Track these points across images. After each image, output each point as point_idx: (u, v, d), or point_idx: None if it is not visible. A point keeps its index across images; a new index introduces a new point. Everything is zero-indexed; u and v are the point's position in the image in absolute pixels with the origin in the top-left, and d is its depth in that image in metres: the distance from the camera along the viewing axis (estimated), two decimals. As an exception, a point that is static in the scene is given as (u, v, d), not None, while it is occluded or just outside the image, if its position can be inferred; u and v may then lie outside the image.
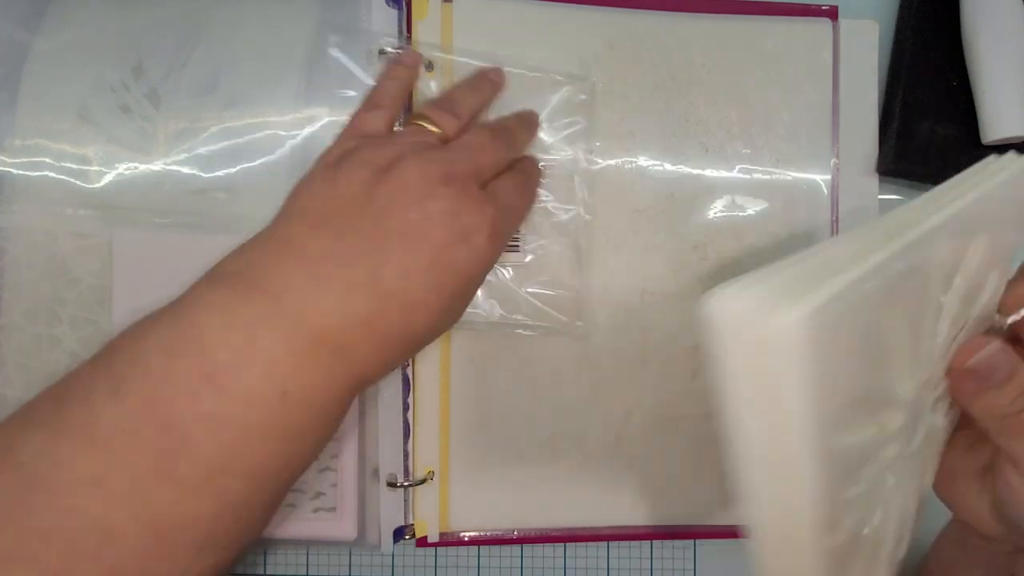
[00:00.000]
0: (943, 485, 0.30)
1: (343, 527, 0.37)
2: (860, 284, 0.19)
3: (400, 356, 0.29)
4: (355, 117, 0.32)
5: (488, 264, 0.29)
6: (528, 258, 0.38)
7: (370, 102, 0.33)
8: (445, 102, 0.32)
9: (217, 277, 0.27)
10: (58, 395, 0.24)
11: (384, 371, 0.29)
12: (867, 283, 0.19)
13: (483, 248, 0.28)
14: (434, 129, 0.30)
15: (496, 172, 0.31)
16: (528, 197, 0.34)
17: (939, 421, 0.28)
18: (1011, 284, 0.28)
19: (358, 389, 0.28)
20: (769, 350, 0.18)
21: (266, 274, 0.26)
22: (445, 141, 0.31)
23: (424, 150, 0.28)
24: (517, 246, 0.38)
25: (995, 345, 0.26)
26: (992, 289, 0.27)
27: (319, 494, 0.37)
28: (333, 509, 0.37)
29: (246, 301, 0.25)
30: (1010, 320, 0.28)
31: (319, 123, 0.36)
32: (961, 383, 0.26)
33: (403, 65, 0.34)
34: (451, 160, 0.28)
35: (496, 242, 0.29)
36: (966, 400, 0.27)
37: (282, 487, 0.27)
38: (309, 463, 0.27)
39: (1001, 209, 0.26)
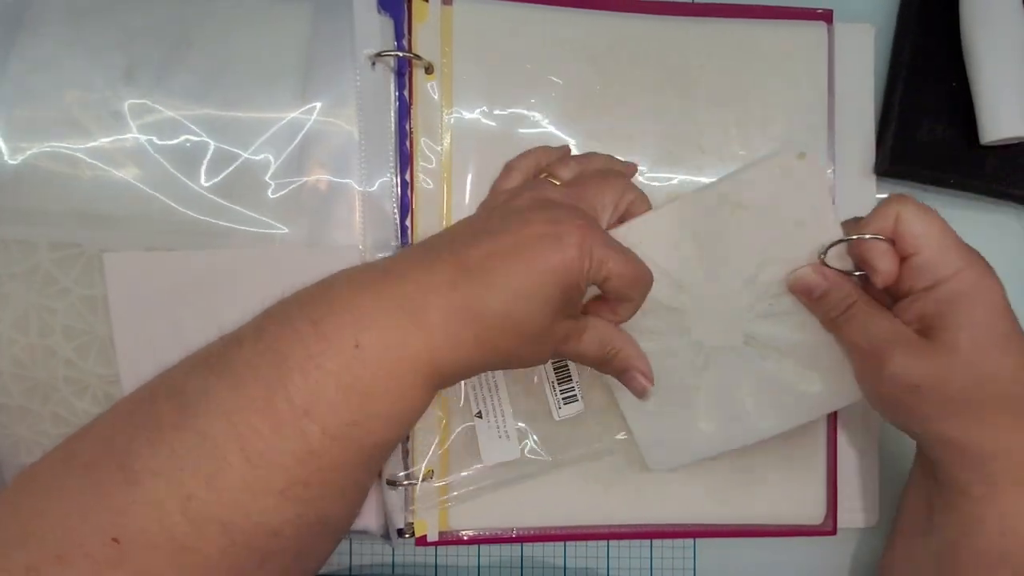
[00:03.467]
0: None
1: (365, 518, 0.38)
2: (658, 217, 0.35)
3: (470, 335, 0.28)
4: (496, 182, 0.38)
5: (572, 273, 0.28)
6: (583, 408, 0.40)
7: (506, 168, 0.38)
8: (566, 158, 0.37)
9: (359, 263, 0.32)
10: (225, 341, 0.28)
11: (453, 352, 0.28)
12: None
13: (572, 252, 0.28)
14: (554, 181, 0.35)
15: (614, 210, 0.34)
16: (629, 267, 0.31)
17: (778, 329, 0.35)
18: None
19: (431, 371, 0.28)
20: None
21: (392, 259, 0.31)
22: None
23: (542, 188, 0.34)
24: (575, 394, 0.39)
25: (805, 270, 0.33)
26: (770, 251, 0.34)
27: None
28: None
29: (365, 271, 0.29)
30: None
31: (313, 130, 0.35)
32: (798, 296, 0.34)
33: (545, 150, 0.39)
34: (563, 194, 0.33)
35: (583, 260, 0.29)
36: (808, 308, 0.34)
37: (355, 458, 0.27)
38: (381, 443, 0.28)
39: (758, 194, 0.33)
